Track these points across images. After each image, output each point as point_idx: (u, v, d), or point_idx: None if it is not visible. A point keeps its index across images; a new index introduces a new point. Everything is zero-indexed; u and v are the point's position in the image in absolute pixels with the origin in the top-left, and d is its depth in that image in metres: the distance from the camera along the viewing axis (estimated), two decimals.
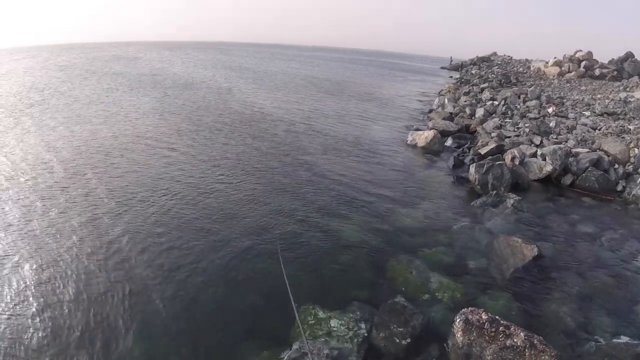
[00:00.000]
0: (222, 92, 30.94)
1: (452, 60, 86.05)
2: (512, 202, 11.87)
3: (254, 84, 37.68)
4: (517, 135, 17.97)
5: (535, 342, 6.06)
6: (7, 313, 7.02)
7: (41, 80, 34.23)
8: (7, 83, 31.95)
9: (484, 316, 6.43)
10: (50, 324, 6.80)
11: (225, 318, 7.10)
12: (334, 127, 21.79)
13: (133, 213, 10.62)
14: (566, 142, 16.27)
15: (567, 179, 14.06)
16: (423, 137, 18.89)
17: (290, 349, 6.16)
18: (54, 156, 14.73)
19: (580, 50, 45.14)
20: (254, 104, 27.09)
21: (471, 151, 17.40)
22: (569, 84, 35.46)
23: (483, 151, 16.09)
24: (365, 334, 6.69)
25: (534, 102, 24.44)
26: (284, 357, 5.96)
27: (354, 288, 7.97)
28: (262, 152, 16.65)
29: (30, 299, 7.39)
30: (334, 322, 6.78)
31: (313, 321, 6.77)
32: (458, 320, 6.52)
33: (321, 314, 6.97)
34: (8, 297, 7.42)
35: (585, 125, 19.07)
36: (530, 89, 28.52)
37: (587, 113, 22.01)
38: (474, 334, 6.30)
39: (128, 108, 23.46)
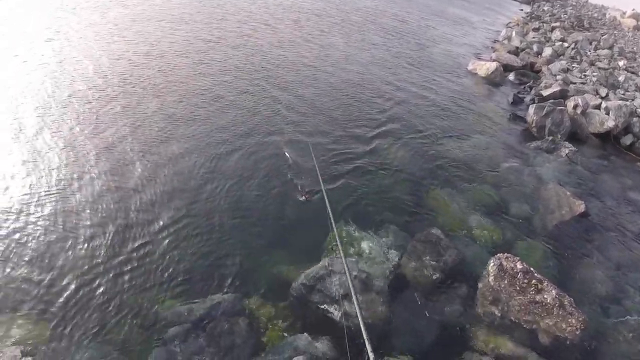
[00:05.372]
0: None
1: None
2: (567, 151, 10.87)
3: None
4: (583, 83, 16.41)
5: (566, 303, 5.67)
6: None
7: None
8: None
9: (518, 265, 6.00)
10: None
11: (265, 224, 6.82)
12: (392, 43, 20.29)
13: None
14: (633, 100, 14.76)
15: (627, 139, 12.84)
16: (485, 67, 17.45)
17: (318, 264, 5.80)
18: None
19: None
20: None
21: (533, 91, 16.02)
22: None
23: (545, 93, 14.76)
24: (396, 261, 6.27)
25: (605, 52, 22.39)
26: (311, 272, 5.57)
27: (391, 212, 7.46)
28: (311, 62, 15.65)
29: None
30: (366, 244, 6.33)
31: (345, 240, 6.32)
32: (492, 265, 6.10)
33: (355, 234, 6.53)
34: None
35: None
36: (604, 37, 26.06)
37: None
38: (506, 282, 5.91)
39: None
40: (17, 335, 4.77)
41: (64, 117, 8.90)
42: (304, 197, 7.30)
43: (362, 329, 2.69)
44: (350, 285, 2.62)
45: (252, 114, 10.31)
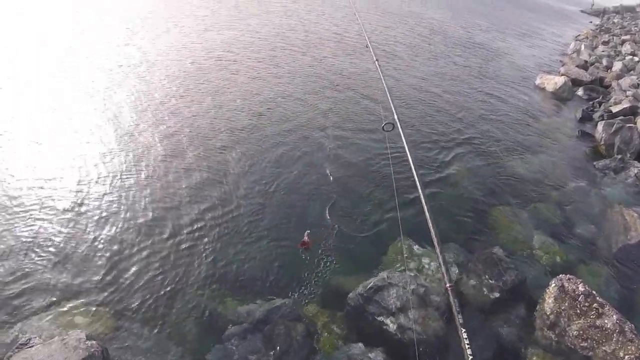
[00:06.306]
0: None
1: (593, 4, 76.06)
2: (636, 171, 10.20)
3: None
4: None
5: (626, 330, 5.23)
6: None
7: None
8: None
9: (580, 287, 5.60)
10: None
11: (326, 234, 6.74)
12: (459, 55, 19.94)
13: None
14: None
15: None
16: (552, 82, 16.75)
17: (376, 277, 5.69)
18: None
19: None
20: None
21: (602, 107, 15.12)
22: None
23: (615, 109, 13.95)
24: (455, 278, 6.08)
25: None
26: (369, 284, 5.50)
27: (452, 229, 7.27)
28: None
29: None
30: (426, 260, 6.17)
31: (406, 254, 6.19)
32: (553, 285, 5.75)
33: (415, 249, 6.39)
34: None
35: None
36: None
37: None
38: (566, 304, 5.54)
39: None
40: (81, 321, 4.95)
41: (136, 112, 9.55)
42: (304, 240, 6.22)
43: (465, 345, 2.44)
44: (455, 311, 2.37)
45: (315, 118, 10.51)
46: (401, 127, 4.09)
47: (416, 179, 3.11)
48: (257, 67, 13.35)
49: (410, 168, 3.26)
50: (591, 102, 15.91)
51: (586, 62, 21.57)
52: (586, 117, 14.15)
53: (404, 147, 3.70)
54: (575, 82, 17.68)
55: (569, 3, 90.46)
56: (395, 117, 4.29)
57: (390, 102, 4.56)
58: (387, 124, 4.39)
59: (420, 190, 2.99)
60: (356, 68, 14.62)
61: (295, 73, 13.40)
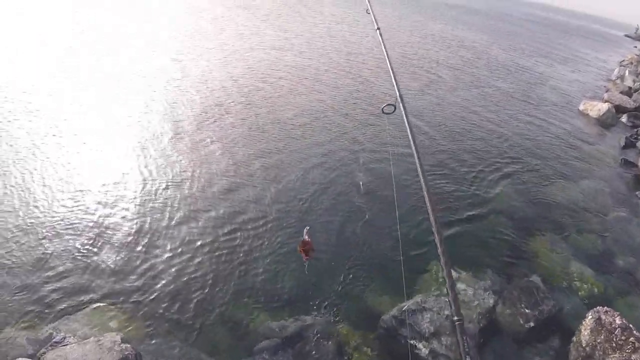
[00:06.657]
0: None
1: (638, 29, 73.83)
2: None
3: None
4: None
5: None
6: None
7: None
8: None
9: (617, 320, 5.45)
10: None
11: (362, 254, 6.71)
12: (501, 79, 19.69)
13: None
14: None
15: None
16: (596, 108, 16.30)
17: (410, 300, 5.62)
18: None
19: None
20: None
21: None
22: None
23: None
24: (491, 306, 5.92)
25: None
26: (403, 306, 5.41)
27: (489, 255, 7.12)
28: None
29: None
30: (462, 285, 6.05)
31: (442, 279, 6.07)
32: (590, 317, 5.57)
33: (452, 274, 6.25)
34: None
35: None
36: None
37: None
38: (602, 337, 5.36)
39: None
40: (115, 324, 5.03)
41: (188, 125, 9.81)
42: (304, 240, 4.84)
43: None
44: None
45: (353, 133, 10.68)
46: (404, 110, 3.55)
47: (426, 198, 2.79)
48: (301, 85, 13.58)
49: (423, 186, 2.89)
50: (635, 130, 15.41)
51: (630, 88, 20.99)
52: (630, 145, 13.71)
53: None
54: (619, 109, 17.14)
55: (613, 28, 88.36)
56: (398, 96, 3.67)
57: (392, 76, 4.05)
58: (388, 105, 3.74)
59: (430, 212, 2.69)
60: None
61: (337, 91, 13.61)
